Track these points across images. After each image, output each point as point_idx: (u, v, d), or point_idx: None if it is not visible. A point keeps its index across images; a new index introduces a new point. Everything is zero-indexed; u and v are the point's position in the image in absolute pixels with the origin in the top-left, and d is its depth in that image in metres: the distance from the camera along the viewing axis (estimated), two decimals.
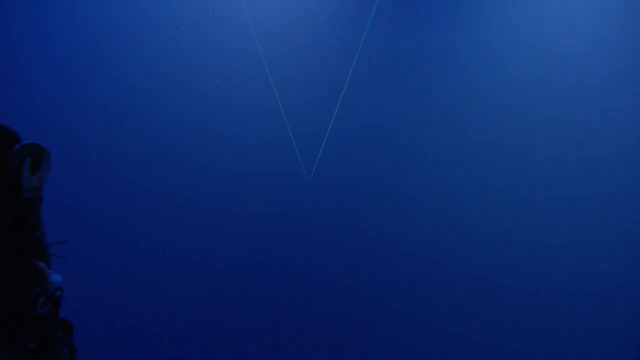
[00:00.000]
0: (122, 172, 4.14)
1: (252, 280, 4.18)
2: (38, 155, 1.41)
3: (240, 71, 4.26)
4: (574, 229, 4.12)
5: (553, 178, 4.18)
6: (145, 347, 4.02)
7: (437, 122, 4.31)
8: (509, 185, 4.21)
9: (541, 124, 4.19)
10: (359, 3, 4.30)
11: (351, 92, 4.24)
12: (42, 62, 4.17)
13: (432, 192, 4.27)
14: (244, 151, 4.26)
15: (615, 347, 4.03)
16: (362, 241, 4.24)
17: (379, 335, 4.15)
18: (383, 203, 4.27)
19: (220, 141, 4.25)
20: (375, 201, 4.27)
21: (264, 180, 4.25)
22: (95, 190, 4.11)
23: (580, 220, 4.12)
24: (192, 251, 4.16)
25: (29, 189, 1.37)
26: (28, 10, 4.19)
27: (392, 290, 4.19)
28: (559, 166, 4.17)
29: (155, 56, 4.21)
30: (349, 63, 4.23)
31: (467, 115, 4.26)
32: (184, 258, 4.15)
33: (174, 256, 4.14)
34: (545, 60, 4.20)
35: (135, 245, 4.09)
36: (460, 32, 4.31)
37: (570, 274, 4.08)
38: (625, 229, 4.06)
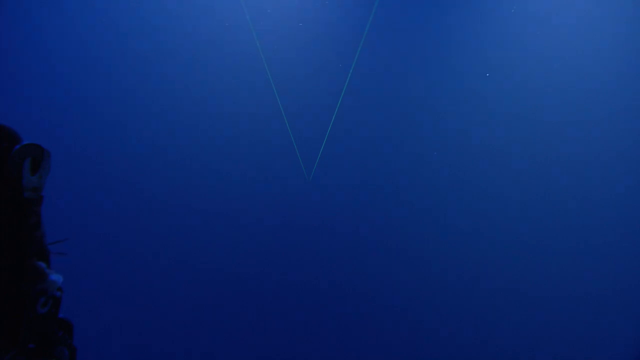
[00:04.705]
0: (123, 172, 4.14)
1: (251, 280, 4.18)
2: (38, 156, 1.41)
3: (241, 73, 4.26)
4: (573, 230, 4.12)
5: (552, 180, 4.18)
6: (146, 347, 4.03)
7: (436, 123, 4.31)
8: (508, 187, 4.21)
9: (542, 126, 4.19)
10: (358, 7, 4.31)
11: (350, 94, 4.25)
12: (43, 62, 4.16)
13: (431, 192, 4.27)
14: (245, 151, 4.26)
15: (615, 347, 4.03)
16: (361, 241, 4.24)
17: (378, 334, 4.15)
18: (382, 203, 4.27)
19: (221, 142, 4.25)
20: (375, 201, 4.27)
21: (265, 180, 4.25)
22: (95, 190, 4.11)
23: (579, 220, 4.12)
24: (192, 251, 4.16)
25: (29, 189, 1.38)
26: (31, 11, 4.19)
27: (392, 290, 4.19)
28: (558, 167, 4.17)
29: (157, 59, 4.21)
30: (348, 66, 4.24)
31: (466, 117, 4.26)
32: (184, 258, 4.15)
33: (174, 256, 4.14)
34: (544, 62, 4.20)
35: (136, 246, 4.09)
36: (460, 36, 4.31)
37: (570, 274, 4.08)
38: (626, 230, 4.06)
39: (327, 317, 4.16)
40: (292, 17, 4.30)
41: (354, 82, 4.25)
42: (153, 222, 4.13)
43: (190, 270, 4.13)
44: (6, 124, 1.43)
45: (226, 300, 4.13)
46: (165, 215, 4.15)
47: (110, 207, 4.09)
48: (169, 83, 4.22)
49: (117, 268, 4.03)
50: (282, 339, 4.12)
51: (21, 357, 1.32)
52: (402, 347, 4.11)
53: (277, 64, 4.24)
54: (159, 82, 4.21)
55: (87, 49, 4.19)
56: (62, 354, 1.43)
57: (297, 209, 4.23)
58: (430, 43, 4.34)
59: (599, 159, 4.10)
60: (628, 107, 4.10)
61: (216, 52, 4.27)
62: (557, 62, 4.18)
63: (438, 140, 4.28)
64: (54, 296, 1.38)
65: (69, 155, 3.98)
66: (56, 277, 1.40)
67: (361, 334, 4.14)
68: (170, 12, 4.26)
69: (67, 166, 3.88)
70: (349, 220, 4.25)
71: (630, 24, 4.11)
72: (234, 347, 4.10)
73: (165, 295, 4.08)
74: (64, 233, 1.67)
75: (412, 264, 4.19)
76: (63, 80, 4.16)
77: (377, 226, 4.24)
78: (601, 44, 4.13)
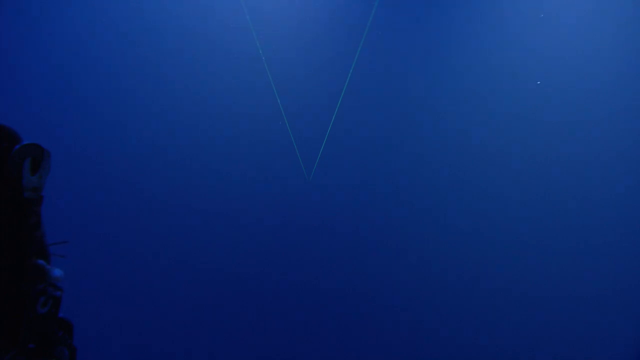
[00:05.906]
0: (123, 172, 4.14)
1: (251, 280, 4.18)
2: (38, 156, 1.41)
3: (241, 73, 4.27)
4: (573, 230, 4.11)
5: (552, 180, 4.17)
6: (146, 347, 4.02)
7: (436, 123, 4.31)
8: (508, 187, 4.20)
9: (542, 126, 4.19)
10: (358, 7, 4.31)
11: (350, 94, 4.25)
12: (43, 62, 4.17)
13: (431, 192, 4.27)
14: (245, 151, 4.26)
15: (615, 347, 4.03)
16: (361, 241, 4.24)
17: (378, 334, 4.15)
18: (382, 203, 4.27)
19: (221, 142, 4.25)
20: (375, 201, 4.27)
21: (265, 180, 4.25)
22: (95, 190, 4.11)
23: (579, 220, 4.12)
24: (192, 251, 4.16)
25: (29, 189, 1.38)
26: (30, 11, 4.19)
27: (392, 290, 4.19)
28: (558, 167, 4.17)
29: (157, 59, 4.21)
30: (349, 65, 4.24)
31: (466, 118, 4.26)
32: (184, 258, 4.15)
33: (174, 256, 4.14)
34: (544, 62, 4.20)
35: (136, 246, 4.09)
36: (460, 36, 4.31)
37: (570, 274, 4.07)
38: (626, 230, 4.06)
39: (327, 317, 4.16)
40: (292, 17, 4.30)
41: (354, 82, 4.25)
42: (153, 222, 4.13)
43: (190, 270, 4.13)
44: (6, 124, 1.43)
45: (226, 300, 4.13)
46: (165, 215, 4.15)
47: (110, 207, 4.09)
48: (169, 83, 4.22)
49: (117, 268, 4.04)
50: (282, 339, 4.12)
51: (21, 357, 1.32)
52: (402, 347, 4.11)
53: (277, 64, 4.24)
54: (159, 82, 4.22)
55: (87, 49, 4.19)
56: (62, 354, 1.43)
57: (297, 209, 4.24)
58: (430, 43, 4.34)
59: (599, 159, 4.10)
60: (628, 107, 4.09)
61: (216, 52, 4.27)
62: (557, 62, 4.18)
63: (438, 140, 4.28)
64: (54, 296, 1.38)
65: (69, 155, 3.98)
66: (58, 272, 1.40)
67: (361, 334, 4.14)
68: (170, 12, 4.26)
69: (67, 166, 3.88)
70: (349, 220, 4.25)
71: (630, 24, 4.11)
72: (234, 347, 4.10)
73: (165, 295, 4.08)
74: (64, 233, 1.67)
75: (412, 264, 4.19)
76: (63, 80, 4.16)
77: (377, 226, 4.24)
78: (601, 44, 4.12)
